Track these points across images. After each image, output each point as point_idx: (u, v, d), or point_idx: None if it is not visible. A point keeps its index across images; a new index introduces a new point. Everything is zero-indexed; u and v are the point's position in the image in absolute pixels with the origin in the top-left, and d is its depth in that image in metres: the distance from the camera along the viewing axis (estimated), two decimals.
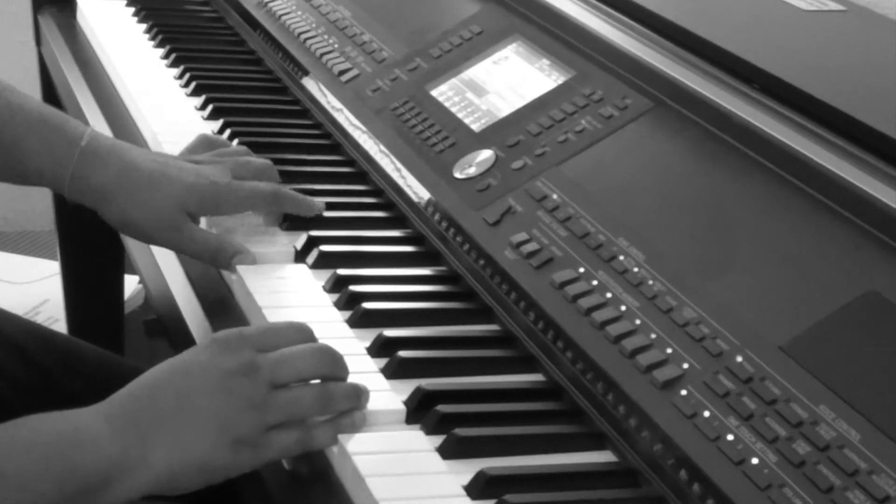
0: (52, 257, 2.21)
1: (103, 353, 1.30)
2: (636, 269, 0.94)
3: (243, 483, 0.85)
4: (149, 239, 1.09)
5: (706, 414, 0.82)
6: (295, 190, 1.15)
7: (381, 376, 0.92)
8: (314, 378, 0.87)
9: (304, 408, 0.85)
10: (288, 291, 1.03)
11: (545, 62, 1.21)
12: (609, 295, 0.93)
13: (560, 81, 1.17)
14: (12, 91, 1.11)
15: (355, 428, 0.86)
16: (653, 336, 0.89)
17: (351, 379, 0.88)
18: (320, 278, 1.05)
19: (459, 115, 1.20)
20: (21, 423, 0.81)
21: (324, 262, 1.07)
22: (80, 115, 1.42)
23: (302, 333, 0.89)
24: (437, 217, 1.10)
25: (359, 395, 0.88)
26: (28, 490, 0.78)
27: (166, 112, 1.36)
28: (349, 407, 0.87)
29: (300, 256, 1.09)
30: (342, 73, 1.36)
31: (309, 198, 1.14)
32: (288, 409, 0.84)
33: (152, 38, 1.57)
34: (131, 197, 1.06)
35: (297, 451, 0.85)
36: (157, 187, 1.06)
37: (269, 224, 1.14)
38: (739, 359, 0.84)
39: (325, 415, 0.86)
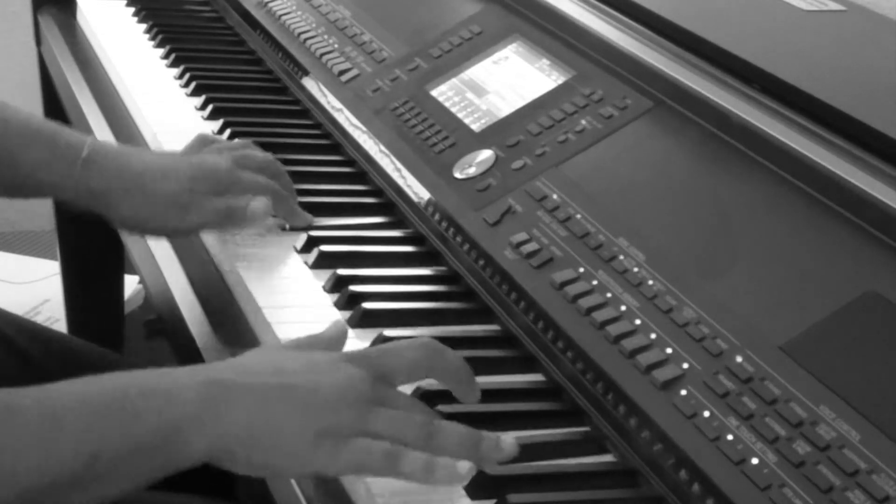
0: (52, 257, 2.21)
1: (103, 352, 1.30)
2: (636, 269, 0.94)
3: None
4: (162, 230, 1.09)
5: (706, 414, 0.82)
6: (295, 190, 1.15)
7: None
8: (423, 369, 0.81)
9: (406, 431, 0.77)
10: (288, 291, 1.03)
11: (545, 62, 1.21)
12: (609, 295, 0.93)
13: (560, 81, 1.17)
14: (6, 106, 1.09)
15: (453, 479, 0.76)
16: (653, 336, 0.88)
17: None
18: (320, 278, 1.05)
19: (459, 115, 1.20)
20: (78, 380, 0.76)
21: (324, 262, 1.07)
22: (81, 115, 1.42)
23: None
24: (437, 217, 1.10)
25: (474, 443, 0.78)
26: (86, 441, 0.73)
27: (166, 112, 1.36)
28: (456, 452, 0.77)
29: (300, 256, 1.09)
30: (342, 73, 1.35)
31: (302, 211, 1.13)
32: (390, 425, 0.77)
33: (152, 38, 1.57)
34: (140, 192, 1.05)
35: (378, 467, 0.76)
36: (163, 177, 1.05)
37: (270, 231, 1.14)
38: (739, 359, 0.84)
39: (426, 451, 0.77)
